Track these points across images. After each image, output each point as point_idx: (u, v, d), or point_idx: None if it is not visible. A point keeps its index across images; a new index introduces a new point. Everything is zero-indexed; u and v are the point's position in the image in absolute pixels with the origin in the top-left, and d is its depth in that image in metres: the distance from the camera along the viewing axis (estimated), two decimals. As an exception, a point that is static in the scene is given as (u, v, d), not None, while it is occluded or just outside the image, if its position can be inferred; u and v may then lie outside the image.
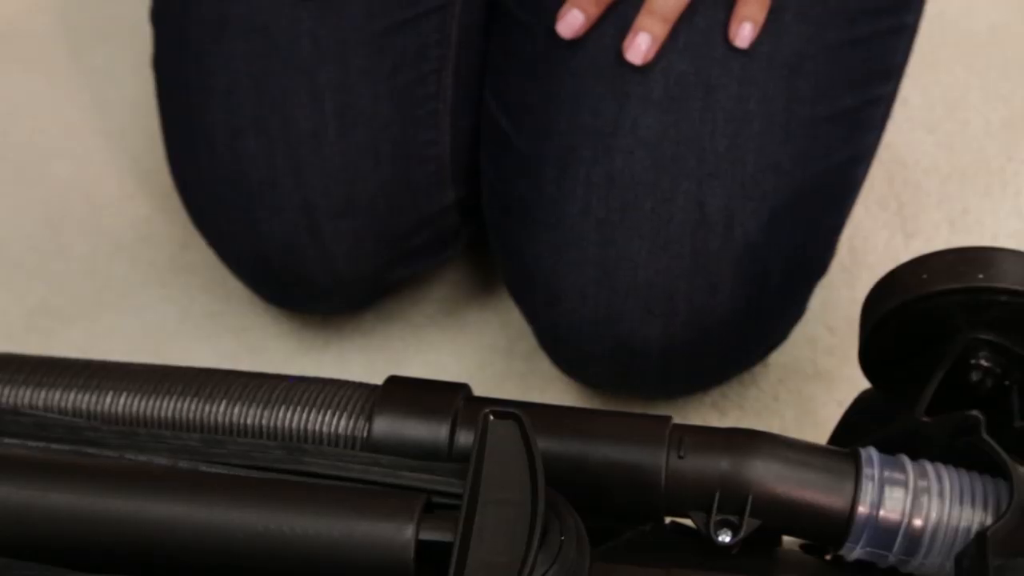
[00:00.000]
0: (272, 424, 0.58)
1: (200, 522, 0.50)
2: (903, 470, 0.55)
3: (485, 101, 0.84)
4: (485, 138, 0.84)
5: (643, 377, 0.81)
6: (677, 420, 0.57)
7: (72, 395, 0.59)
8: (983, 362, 0.60)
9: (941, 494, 0.54)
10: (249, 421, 0.58)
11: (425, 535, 0.49)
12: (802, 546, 0.60)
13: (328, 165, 0.80)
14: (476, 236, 0.92)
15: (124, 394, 0.59)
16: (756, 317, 0.80)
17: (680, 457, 0.55)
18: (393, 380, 0.60)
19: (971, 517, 0.53)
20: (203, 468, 0.53)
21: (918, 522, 0.53)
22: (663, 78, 0.74)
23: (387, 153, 0.81)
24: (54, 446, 0.54)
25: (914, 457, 0.56)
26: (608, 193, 0.75)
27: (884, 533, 0.54)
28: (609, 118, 0.75)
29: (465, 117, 0.84)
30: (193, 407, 0.59)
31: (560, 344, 0.82)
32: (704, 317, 0.77)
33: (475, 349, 0.95)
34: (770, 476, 0.54)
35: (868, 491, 0.54)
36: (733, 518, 0.54)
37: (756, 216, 0.76)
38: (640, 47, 0.73)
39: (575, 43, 0.76)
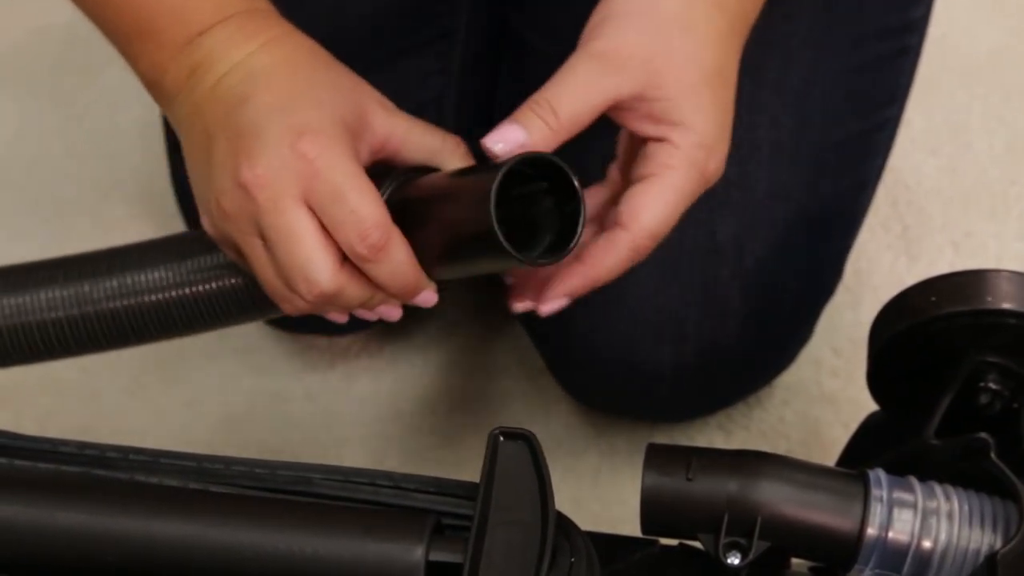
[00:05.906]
0: None
1: (210, 543, 0.50)
2: (912, 491, 0.54)
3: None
4: None
5: (652, 402, 0.81)
6: (684, 442, 0.57)
7: None
8: (991, 385, 0.59)
9: (950, 515, 0.54)
10: None
11: (435, 556, 0.49)
12: (812, 568, 0.60)
13: None
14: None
15: None
16: (765, 341, 0.80)
17: (689, 479, 0.55)
18: None
19: (980, 539, 0.53)
20: (213, 489, 0.53)
21: (927, 544, 0.53)
22: None
23: None
24: (64, 468, 0.54)
25: (923, 479, 0.56)
26: None
27: (893, 555, 0.54)
28: None
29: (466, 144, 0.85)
30: None
31: (570, 370, 0.82)
32: (715, 343, 0.77)
33: (480, 369, 0.95)
34: (779, 498, 0.54)
35: (877, 513, 0.54)
36: (742, 540, 0.54)
37: (766, 242, 0.76)
38: None
39: None
